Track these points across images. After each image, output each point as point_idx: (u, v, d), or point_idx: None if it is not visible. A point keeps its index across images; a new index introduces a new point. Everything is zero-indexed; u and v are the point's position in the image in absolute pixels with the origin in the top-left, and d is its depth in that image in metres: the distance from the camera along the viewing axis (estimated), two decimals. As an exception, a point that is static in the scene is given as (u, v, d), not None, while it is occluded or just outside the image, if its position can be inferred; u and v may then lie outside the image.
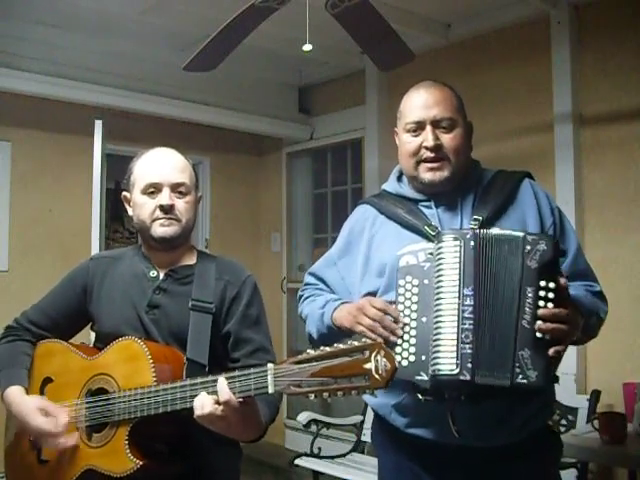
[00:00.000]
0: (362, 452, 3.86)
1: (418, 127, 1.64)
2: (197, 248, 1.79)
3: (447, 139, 1.63)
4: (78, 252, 3.26)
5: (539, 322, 1.41)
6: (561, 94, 3.55)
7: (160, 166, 1.66)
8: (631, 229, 3.32)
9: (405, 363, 1.47)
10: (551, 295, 1.42)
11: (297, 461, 3.66)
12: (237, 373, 1.35)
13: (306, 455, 3.68)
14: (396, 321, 1.49)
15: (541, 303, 1.41)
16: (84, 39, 4.03)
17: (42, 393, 1.66)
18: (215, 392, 1.35)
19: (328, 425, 3.95)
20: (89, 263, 1.77)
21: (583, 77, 3.53)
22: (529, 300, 1.41)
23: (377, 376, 1.21)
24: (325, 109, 5.04)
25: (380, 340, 1.47)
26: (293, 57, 4.45)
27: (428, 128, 1.62)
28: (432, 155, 1.62)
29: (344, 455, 3.76)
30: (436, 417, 1.53)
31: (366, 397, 1.74)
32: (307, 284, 1.88)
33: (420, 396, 1.48)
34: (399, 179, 1.80)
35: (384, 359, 1.21)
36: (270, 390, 1.29)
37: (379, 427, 1.74)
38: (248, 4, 2.53)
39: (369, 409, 3.82)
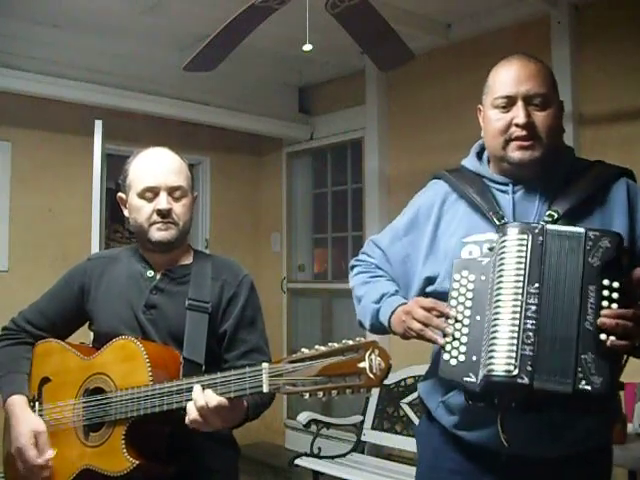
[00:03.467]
0: (362, 452, 3.86)
1: (508, 103, 1.49)
2: (193, 247, 1.78)
3: (540, 117, 1.48)
4: (78, 252, 3.25)
5: (602, 319, 1.28)
6: (561, 94, 3.48)
7: (156, 169, 1.64)
8: (631, 229, 3.31)
9: (454, 362, 1.37)
10: (615, 295, 1.30)
11: (297, 461, 3.65)
12: (232, 372, 1.36)
13: (306, 455, 3.68)
14: (446, 318, 1.40)
15: (604, 303, 1.30)
16: (84, 39, 4.03)
17: (40, 393, 1.66)
18: (210, 387, 1.37)
19: (328, 425, 3.95)
20: (86, 263, 1.77)
21: (583, 77, 3.52)
22: (591, 300, 1.30)
23: (371, 375, 1.21)
24: (325, 109, 5.04)
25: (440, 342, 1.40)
26: (293, 57, 4.45)
27: (520, 104, 1.48)
28: (523, 133, 1.47)
29: (344, 455, 3.75)
30: (483, 421, 1.43)
31: (419, 385, 1.65)
32: (365, 254, 1.76)
33: (468, 400, 1.38)
34: (479, 156, 1.65)
35: (378, 358, 1.21)
36: (265, 389, 1.29)
37: (426, 419, 1.64)
38: (248, 4, 2.54)
39: (369, 409, 3.84)
